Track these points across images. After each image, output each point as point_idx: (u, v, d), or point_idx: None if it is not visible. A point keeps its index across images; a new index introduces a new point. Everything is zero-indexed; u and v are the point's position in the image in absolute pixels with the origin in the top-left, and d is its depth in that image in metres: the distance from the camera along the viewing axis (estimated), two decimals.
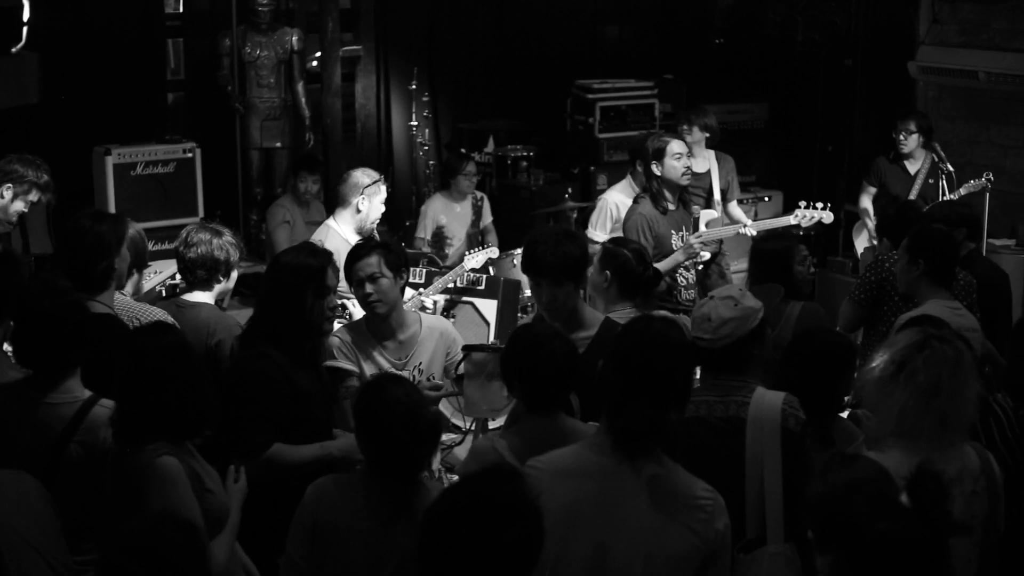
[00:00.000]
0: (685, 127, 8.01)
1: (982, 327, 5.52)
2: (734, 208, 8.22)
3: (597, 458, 3.27)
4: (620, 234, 6.63)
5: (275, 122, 9.63)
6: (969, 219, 6.73)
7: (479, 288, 6.86)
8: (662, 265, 6.50)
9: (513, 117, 10.73)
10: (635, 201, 6.82)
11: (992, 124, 9.60)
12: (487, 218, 8.94)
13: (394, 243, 5.23)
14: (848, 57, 10.48)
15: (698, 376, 4.14)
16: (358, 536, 3.51)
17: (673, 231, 6.71)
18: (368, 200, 6.46)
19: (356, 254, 4.91)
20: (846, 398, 4.48)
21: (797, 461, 3.80)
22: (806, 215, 7.40)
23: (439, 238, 8.72)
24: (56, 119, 8.46)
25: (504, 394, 4.31)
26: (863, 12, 10.39)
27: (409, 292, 6.38)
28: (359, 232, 6.40)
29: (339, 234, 6.37)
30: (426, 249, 8.44)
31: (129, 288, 5.02)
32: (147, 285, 5.73)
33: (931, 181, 8.49)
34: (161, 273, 5.91)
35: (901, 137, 8.57)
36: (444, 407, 4.90)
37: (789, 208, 8.28)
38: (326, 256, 4.53)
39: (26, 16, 7.07)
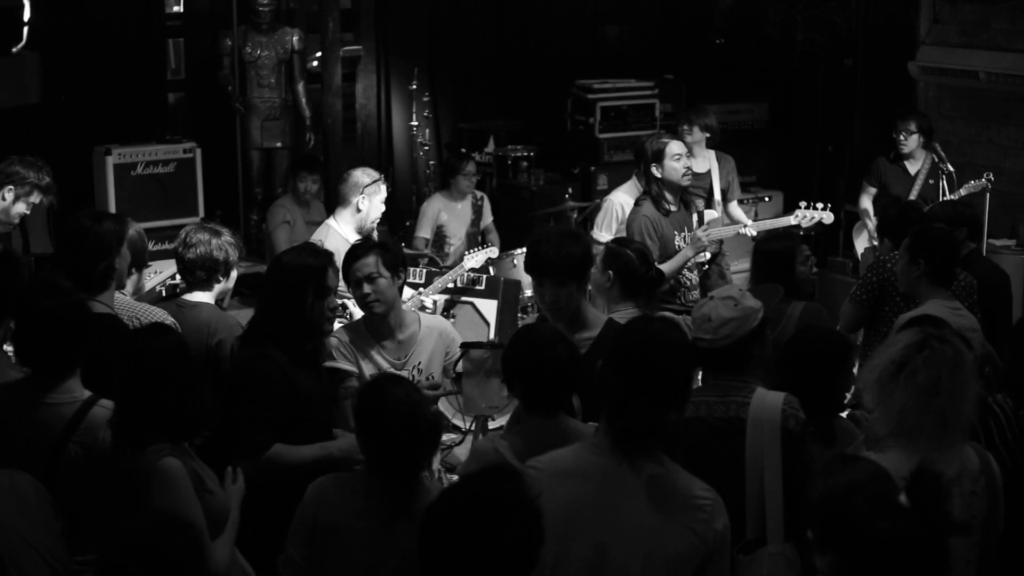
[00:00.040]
0: (685, 127, 8.00)
1: (982, 328, 5.52)
2: (734, 208, 8.22)
3: (597, 458, 3.28)
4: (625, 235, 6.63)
5: (275, 122, 9.64)
6: (970, 219, 6.73)
7: (479, 288, 6.86)
8: (672, 262, 6.49)
9: (513, 117, 10.73)
10: (636, 204, 6.80)
11: (992, 124, 9.59)
12: (487, 218, 8.94)
13: (391, 243, 5.23)
14: (848, 57, 10.48)
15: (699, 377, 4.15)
16: (358, 536, 3.51)
17: (676, 232, 6.71)
18: (368, 199, 6.46)
19: (353, 254, 4.91)
20: (847, 396, 4.48)
21: (797, 462, 3.80)
22: (806, 215, 7.40)
23: (439, 238, 8.72)
24: (56, 119, 8.47)
25: (503, 392, 4.31)
26: (863, 12, 10.39)
27: (409, 292, 6.38)
28: (359, 232, 6.40)
29: (339, 234, 6.37)
30: (426, 249, 8.44)
31: (129, 287, 5.03)
32: (147, 285, 5.73)
33: (931, 182, 8.49)
34: (161, 273, 5.91)
35: (901, 137, 8.57)
36: (444, 407, 4.90)
37: (789, 208, 8.28)
38: (327, 257, 4.53)
39: (27, 16, 7.07)
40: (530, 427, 3.86)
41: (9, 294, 4.29)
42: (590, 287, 4.98)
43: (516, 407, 4.18)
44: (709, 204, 7.87)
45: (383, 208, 6.60)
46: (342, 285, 4.83)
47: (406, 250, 8.01)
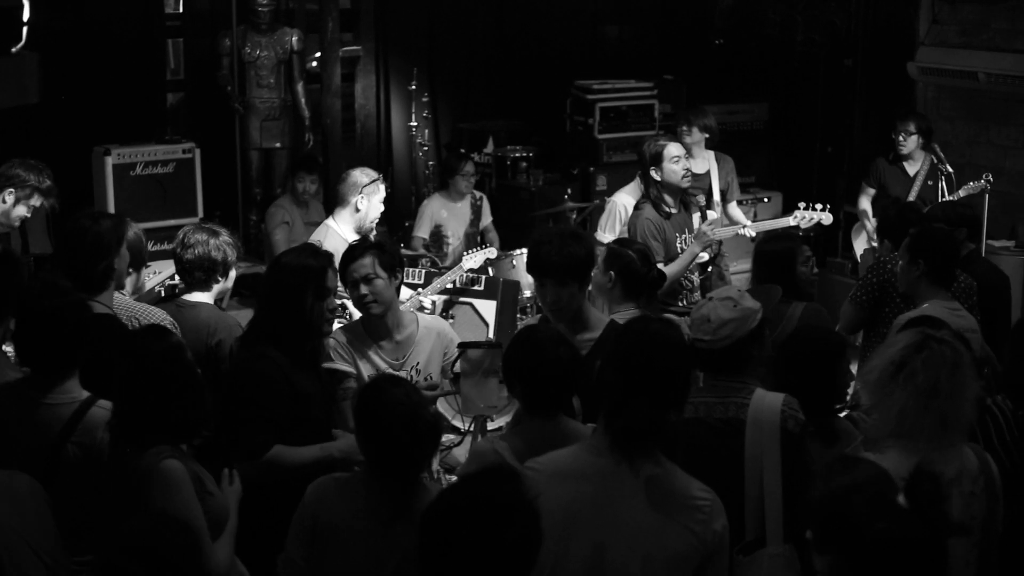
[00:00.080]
0: (684, 128, 8.00)
1: (981, 329, 5.52)
2: (734, 209, 8.21)
3: (595, 459, 3.28)
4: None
5: (275, 122, 9.63)
6: (970, 219, 6.73)
7: (478, 289, 6.86)
8: (679, 261, 6.46)
9: (513, 117, 10.73)
10: (636, 207, 6.77)
11: (992, 125, 9.60)
12: (487, 218, 8.94)
13: (388, 243, 5.22)
14: (848, 57, 10.49)
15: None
16: (358, 536, 3.51)
17: (677, 234, 6.70)
18: (367, 199, 6.45)
19: (350, 255, 4.90)
20: (847, 395, 4.49)
21: (796, 462, 3.81)
22: (805, 216, 7.40)
23: (437, 238, 8.72)
24: (56, 119, 8.46)
25: (501, 392, 4.31)
26: (863, 12, 10.39)
27: (408, 292, 6.38)
28: (358, 231, 6.40)
29: (338, 234, 6.37)
30: (423, 249, 8.44)
31: (129, 287, 5.03)
32: (147, 285, 5.73)
33: (930, 183, 8.49)
34: (160, 274, 5.92)
35: (900, 138, 8.57)
36: (443, 408, 4.90)
37: (789, 209, 8.28)
38: (327, 258, 4.54)
39: (26, 16, 7.06)
40: (530, 428, 3.86)
41: (9, 294, 4.30)
42: (591, 288, 4.98)
43: (517, 408, 4.18)
44: (708, 205, 7.87)
45: (382, 208, 6.60)
46: (341, 286, 4.84)
47: (405, 251, 8.02)
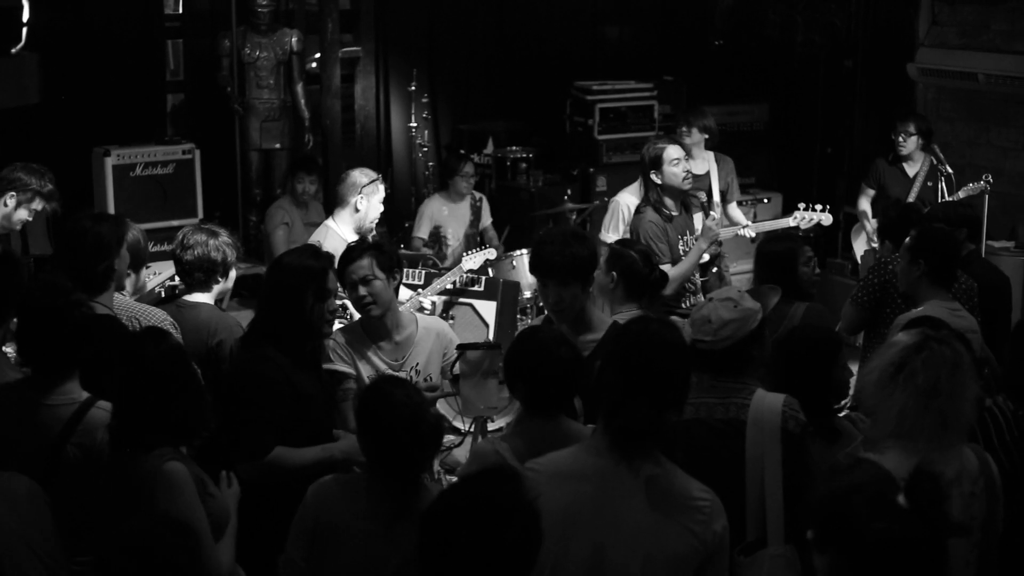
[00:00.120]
0: (684, 129, 7.99)
1: (981, 329, 5.52)
2: (734, 210, 8.21)
3: (594, 459, 3.28)
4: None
5: (274, 123, 9.63)
6: (970, 219, 6.74)
7: (478, 290, 6.86)
8: (688, 259, 6.42)
9: (512, 118, 10.73)
10: (638, 211, 6.71)
11: (991, 126, 9.60)
12: (486, 219, 8.95)
13: (386, 244, 5.22)
14: (848, 59, 10.49)
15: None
16: (359, 537, 3.52)
17: (679, 236, 6.69)
18: (367, 199, 6.44)
19: (348, 257, 4.89)
20: (848, 395, 4.49)
21: (797, 463, 3.81)
22: (805, 217, 7.40)
23: (437, 239, 8.73)
24: (56, 120, 8.47)
25: (501, 393, 4.31)
26: (863, 13, 10.40)
27: (408, 293, 6.38)
28: (358, 232, 6.39)
29: (338, 234, 6.36)
30: (425, 250, 8.44)
31: (129, 287, 5.03)
32: (148, 285, 5.74)
33: (930, 184, 8.49)
34: (160, 275, 5.92)
35: (900, 139, 8.57)
36: (444, 409, 4.90)
37: (789, 210, 8.29)
38: (328, 259, 4.54)
39: (26, 17, 7.06)
40: (531, 429, 3.85)
41: (9, 295, 4.30)
42: (593, 289, 4.98)
43: (519, 410, 4.17)
44: (708, 205, 7.86)
45: (381, 208, 6.59)
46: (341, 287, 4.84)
47: (405, 251, 8.03)
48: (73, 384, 3.93)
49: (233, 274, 5.13)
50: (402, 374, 4.82)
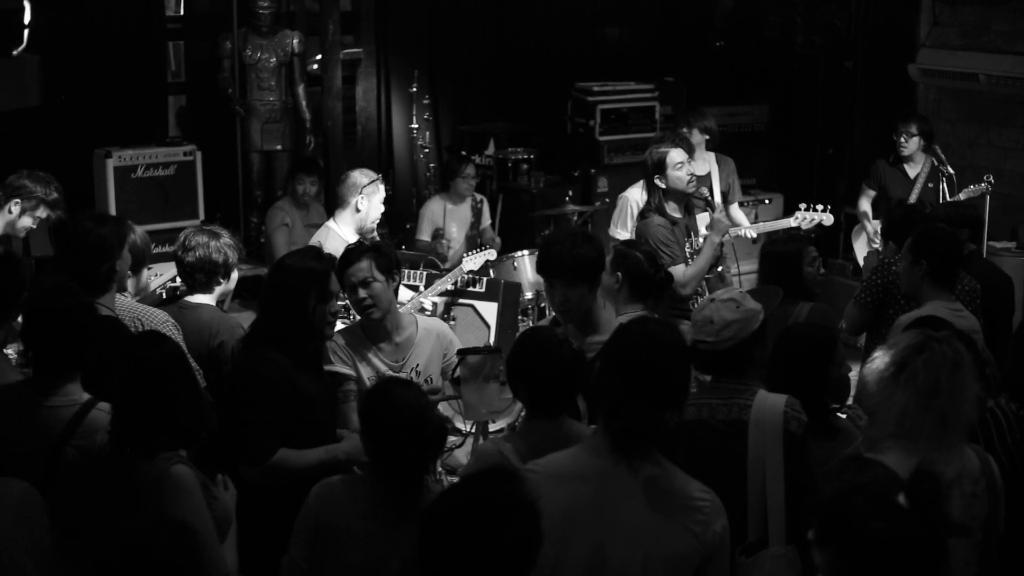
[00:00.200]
0: (684, 130, 7.99)
1: (983, 330, 5.51)
2: (735, 211, 8.21)
3: (594, 460, 3.28)
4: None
5: (275, 125, 9.63)
6: (971, 219, 6.74)
7: (480, 291, 6.87)
8: (701, 257, 6.37)
9: (513, 119, 10.73)
10: (642, 216, 6.65)
11: (992, 126, 9.60)
12: (485, 220, 8.95)
13: (385, 245, 5.22)
14: (848, 59, 10.49)
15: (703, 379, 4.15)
16: (361, 538, 3.52)
17: (685, 239, 6.68)
18: (367, 199, 6.44)
19: (347, 259, 4.89)
20: (850, 393, 4.48)
21: (799, 464, 3.81)
22: (806, 217, 7.40)
23: (438, 240, 8.73)
24: (57, 122, 8.47)
25: (503, 395, 4.32)
26: (863, 14, 10.39)
27: (409, 294, 6.38)
28: (359, 232, 6.39)
29: (339, 235, 6.36)
30: (426, 247, 8.45)
31: (131, 289, 5.03)
32: (150, 287, 5.75)
33: (931, 185, 8.49)
34: (161, 276, 5.93)
35: (902, 140, 8.57)
36: (444, 409, 4.90)
37: (789, 211, 8.28)
38: (330, 261, 4.54)
39: (27, 18, 7.06)
40: (533, 429, 3.86)
41: (10, 296, 4.30)
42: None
43: (521, 411, 4.18)
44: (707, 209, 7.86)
45: (382, 208, 6.59)
46: None
47: (407, 252, 8.03)
48: (74, 385, 3.93)
49: (235, 276, 5.14)
50: (402, 375, 4.82)
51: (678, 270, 6.21)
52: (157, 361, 3.64)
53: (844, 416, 4.50)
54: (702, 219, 7.14)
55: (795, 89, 10.97)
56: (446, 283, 6.70)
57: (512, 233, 9.21)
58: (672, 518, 3.22)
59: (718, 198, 8.01)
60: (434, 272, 6.94)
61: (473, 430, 4.65)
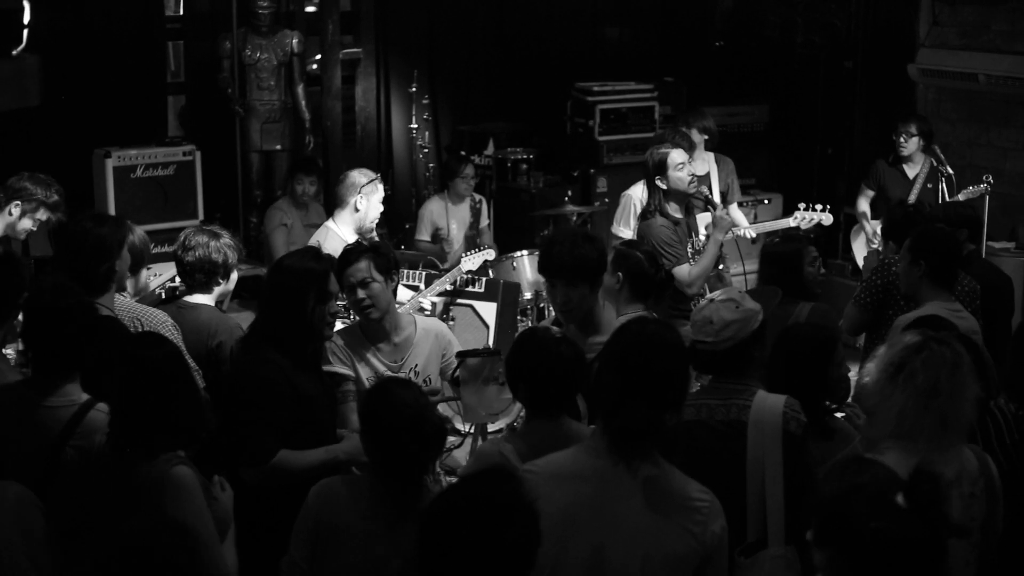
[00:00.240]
0: (683, 129, 7.98)
1: (982, 330, 5.51)
2: (734, 211, 8.19)
3: (593, 460, 3.28)
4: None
5: (275, 125, 9.63)
6: (971, 220, 6.74)
7: (479, 291, 6.87)
8: (706, 254, 6.36)
9: (513, 119, 10.73)
10: (644, 218, 6.63)
11: (992, 126, 9.60)
12: (484, 220, 8.95)
13: (384, 245, 5.22)
14: (848, 59, 10.49)
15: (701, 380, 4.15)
16: (361, 538, 3.52)
17: (687, 239, 6.67)
18: (366, 199, 6.44)
19: (345, 260, 4.89)
20: (849, 394, 4.49)
21: (798, 464, 3.81)
22: (806, 217, 7.40)
23: (437, 240, 8.73)
24: (56, 122, 8.48)
25: (502, 395, 4.32)
26: (863, 14, 10.39)
27: (408, 293, 6.38)
28: (358, 232, 6.39)
29: (338, 235, 6.36)
30: (426, 247, 8.45)
31: (131, 289, 5.03)
32: (150, 287, 5.76)
33: (930, 185, 8.49)
34: (160, 276, 5.93)
35: (901, 139, 8.57)
36: (444, 410, 4.90)
37: (789, 211, 8.28)
38: (329, 261, 4.54)
39: (27, 19, 7.06)
40: (534, 430, 3.86)
41: (10, 296, 4.30)
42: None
43: (520, 411, 4.18)
44: (707, 208, 7.85)
45: (381, 208, 6.59)
46: None
47: (407, 252, 8.03)
48: (74, 386, 3.93)
49: (234, 276, 5.13)
50: (401, 375, 4.82)
51: (683, 270, 6.21)
52: (156, 362, 3.64)
53: (842, 415, 4.50)
54: (701, 219, 7.14)
55: (795, 89, 10.97)
56: (445, 283, 6.70)
57: (511, 233, 9.21)
58: (671, 518, 3.22)
59: (717, 198, 8.01)
60: (433, 272, 6.94)
61: (472, 431, 4.65)
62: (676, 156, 6.46)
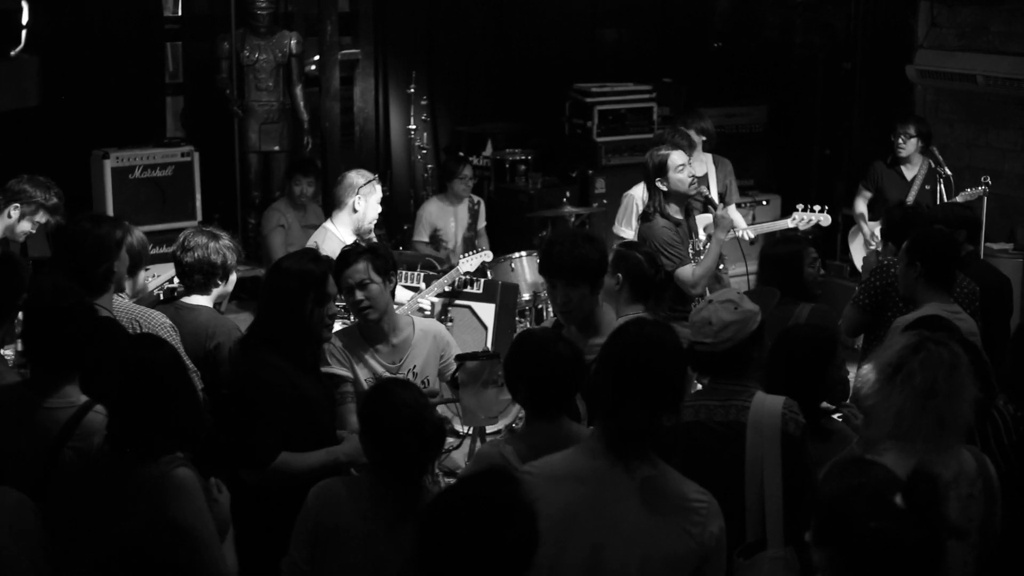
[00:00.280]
0: (682, 129, 7.98)
1: (980, 331, 5.51)
2: (732, 212, 8.19)
3: (591, 461, 3.28)
4: None
5: (273, 125, 9.62)
6: (969, 221, 6.74)
7: (477, 292, 6.87)
8: (709, 254, 6.36)
9: (511, 120, 10.73)
10: (645, 220, 6.62)
11: (990, 128, 9.60)
12: (483, 222, 8.96)
13: (382, 247, 5.22)
14: (846, 60, 10.49)
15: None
16: (361, 538, 3.53)
17: (688, 239, 6.67)
18: (364, 200, 6.43)
19: (344, 261, 4.89)
20: (848, 395, 4.49)
21: (797, 465, 3.81)
22: (804, 218, 7.40)
23: (435, 241, 8.73)
24: (55, 122, 8.47)
25: (501, 397, 4.31)
26: (861, 15, 10.40)
27: (407, 294, 6.38)
28: (357, 233, 6.39)
29: (336, 236, 6.36)
30: (425, 249, 8.45)
31: (129, 290, 5.03)
32: (148, 287, 5.76)
33: (928, 187, 8.49)
34: (159, 277, 5.94)
35: (900, 140, 8.57)
36: (443, 410, 4.91)
37: (787, 212, 8.29)
38: (327, 263, 4.53)
39: (25, 19, 7.06)
40: (534, 431, 3.86)
41: (9, 297, 4.30)
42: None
43: (519, 412, 4.18)
44: (705, 209, 7.85)
45: (379, 208, 6.58)
46: None
47: (405, 252, 8.03)
48: (72, 387, 3.92)
49: (233, 278, 5.13)
50: (399, 376, 4.82)
51: (686, 271, 6.21)
52: (155, 364, 3.64)
53: (840, 416, 4.50)
54: (701, 220, 7.14)
55: (793, 90, 10.98)
56: (443, 284, 6.70)
57: (509, 234, 9.21)
58: (669, 519, 3.22)
59: (715, 199, 8.01)
60: (432, 273, 6.95)
61: (470, 432, 4.65)
62: (676, 158, 6.46)
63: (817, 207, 7.37)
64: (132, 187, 8.38)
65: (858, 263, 8.97)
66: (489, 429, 4.76)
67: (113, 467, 3.63)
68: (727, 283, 7.53)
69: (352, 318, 5.24)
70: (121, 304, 4.81)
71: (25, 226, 6.09)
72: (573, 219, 8.71)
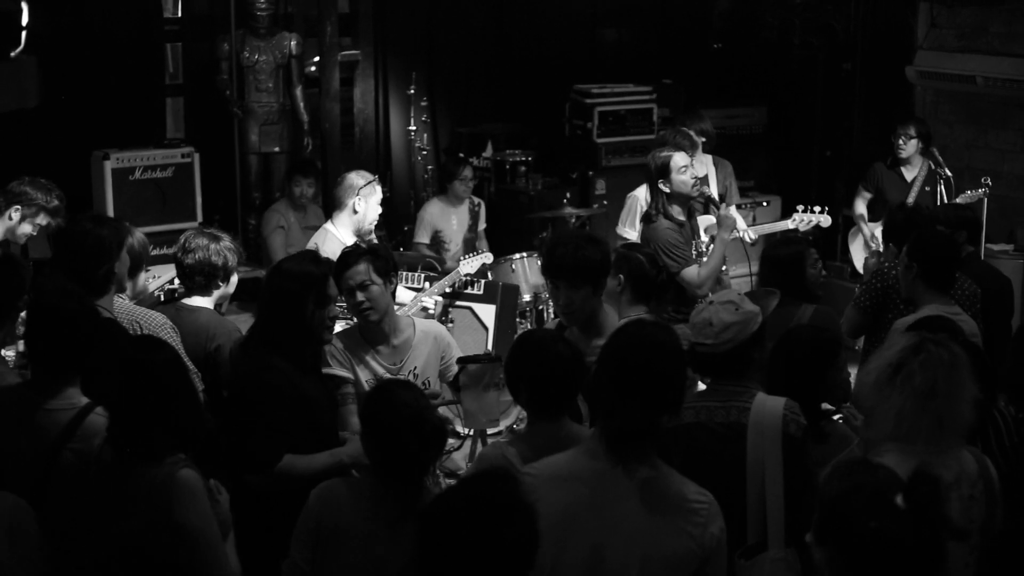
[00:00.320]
0: (683, 129, 7.97)
1: (981, 332, 5.51)
2: (732, 213, 8.19)
3: (591, 462, 3.28)
4: None
5: (273, 126, 9.63)
6: (970, 221, 6.74)
7: (478, 293, 6.87)
8: (714, 254, 6.34)
9: (512, 121, 10.73)
10: (648, 221, 6.61)
11: (990, 128, 9.60)
12: (483, 223, 8.95)
13: (382, 248, 5.22)
14: (846, 61, 10.49)
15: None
16: (362, 539, 3.53)
17: (692, 240, 6.66)
18: (364, 200, 6.43)
19: (344, 262, 4.88)
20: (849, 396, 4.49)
21: (798, 466, 3.81)
22: (804, 219, 7.40)
23: (436, 243, 8.73)
24: (55, 123, 8.48)
25: (502, 397, 4.31)
26: (861, 16, 10.40)
27: (409, 295, 6.38)
28: (357, 234, 6.39)
29: (337, 237, 6.36)
30: (426, 251, 8.45)
31: (130, 291, 5.03)
32: (148, 288, 5.76)
33: (928, 188, 8.49)
34: (160, 278, 5.94)
35: (900, 141, 8.58)
36: (443, 411, 4.90)
37: (787, 213, 8.29)
38: (328, 264, 4.53)
39: (25, 20, 7.07)
40: (536, 432, 3.86)
41: (10, 298, 4.30)
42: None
43: (519, 412, 4.18)
44: (706, 210, 7.85)
45: (380, 209, 6.58)
46: None
47: (405, 253, 8.03)
48: (73, 389, 3.93)
49: (234, 279, 5.13)
50: (400, 378, 4.82)
51: (691, 272, 6.20)
52: (156, 365, 3.64)
53: (839, 417, 4.50)
54: (702, 221, 7.14)
55: (793, 91, 10.98)
56: (444, 286, 6.70)
57: (510, 235, 9.21)
58: (669, 520, 3.22)
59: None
60: (432, 274, 6.95)
61: (471, 433, 4.65)
62: (679, 159, 6.43)
63: (817, 208, 7.37)
64: (132, 188, 8.38)
65: (858, 264, 8.98)
66: (490, 431, 4.76)
67: (114, 469, 3.63)
68: (727, 284, 7.54)
69: (353, 319, 5.25)
70: (122, 305, 4.81)
71: (26, 228, 6.10)
72: (573, 220, 8.71)
